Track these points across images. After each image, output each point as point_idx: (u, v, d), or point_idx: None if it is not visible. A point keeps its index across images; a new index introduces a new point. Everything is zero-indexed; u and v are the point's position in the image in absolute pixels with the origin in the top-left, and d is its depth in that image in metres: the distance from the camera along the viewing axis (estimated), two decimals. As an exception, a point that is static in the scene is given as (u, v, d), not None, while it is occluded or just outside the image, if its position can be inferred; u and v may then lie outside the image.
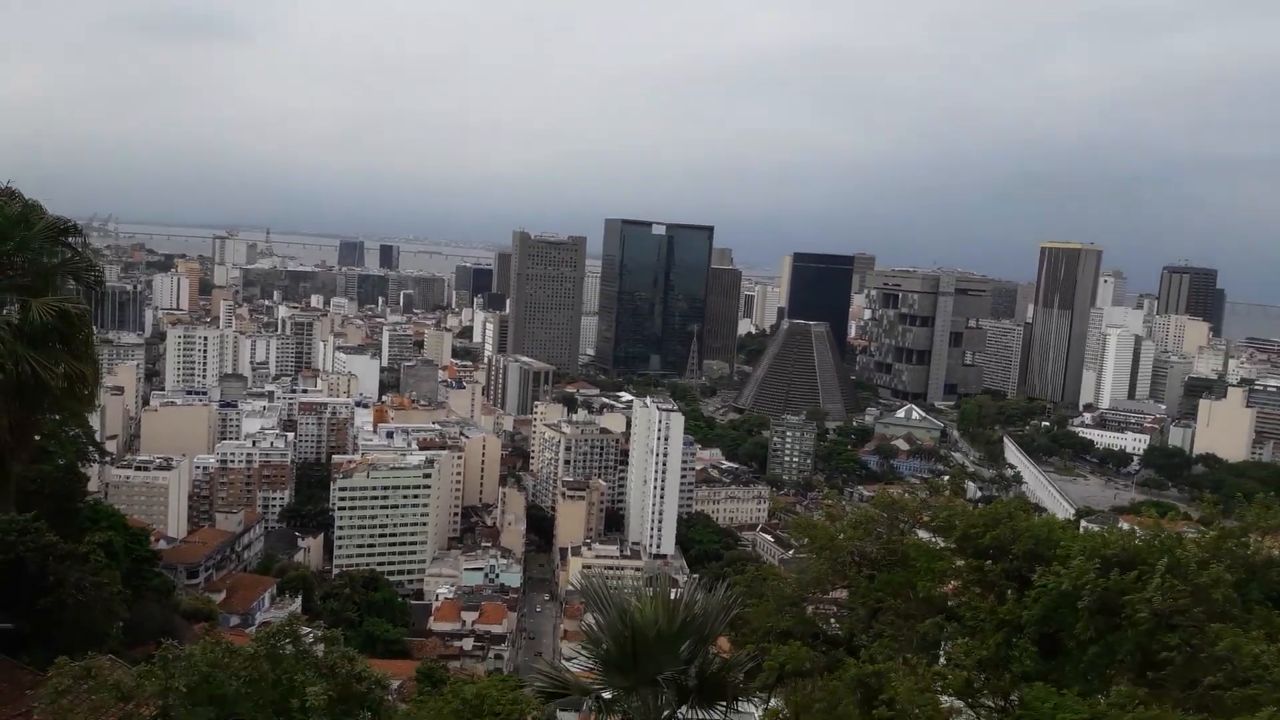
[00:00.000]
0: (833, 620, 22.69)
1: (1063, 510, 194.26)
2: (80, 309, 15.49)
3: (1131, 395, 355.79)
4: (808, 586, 22.29)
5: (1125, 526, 22.96)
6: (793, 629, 20.81)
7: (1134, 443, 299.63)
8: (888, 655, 17.23)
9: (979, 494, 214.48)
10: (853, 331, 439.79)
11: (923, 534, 22.53)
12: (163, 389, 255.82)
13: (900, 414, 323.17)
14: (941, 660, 19.03)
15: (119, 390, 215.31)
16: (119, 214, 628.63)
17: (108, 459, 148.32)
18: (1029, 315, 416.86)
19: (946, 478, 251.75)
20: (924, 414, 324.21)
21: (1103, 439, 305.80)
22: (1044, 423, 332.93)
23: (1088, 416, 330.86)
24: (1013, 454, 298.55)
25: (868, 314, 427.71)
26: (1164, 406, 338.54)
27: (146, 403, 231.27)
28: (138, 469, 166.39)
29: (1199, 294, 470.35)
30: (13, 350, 14.03)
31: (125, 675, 15.06)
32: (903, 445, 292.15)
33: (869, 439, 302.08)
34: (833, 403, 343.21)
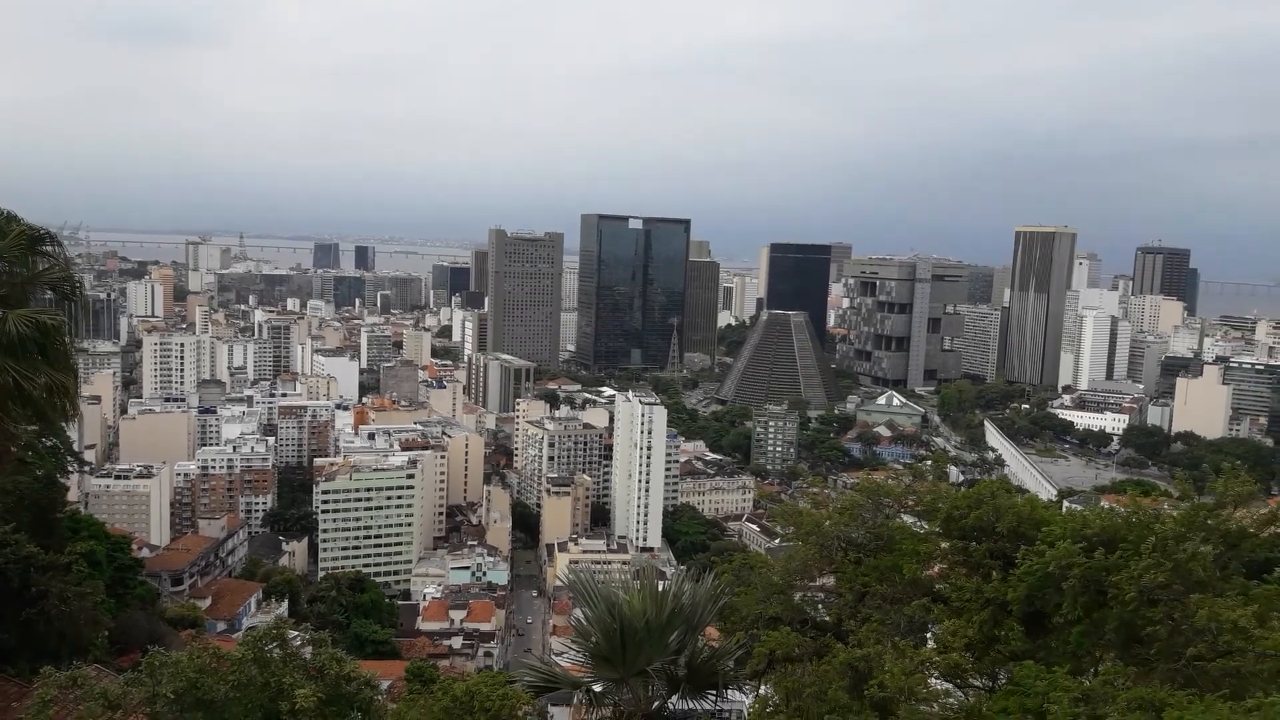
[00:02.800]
0: (820, 606, 22.78)
1: (1045, 492, 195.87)
2: (56, 320, 15.37)
3: (1109, 376, 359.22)
4: (794, 573, 22.38)
5: (1106, 505, 23.21)
6: (781, 615, 20.88)
7: (1113, 423, 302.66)
8: (876, 639, 17.34)
9: (961, 478, 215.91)
10: (832, 320, 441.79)
11: (907, 518, 22.69)
12: (140, 397, 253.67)
13: (881, 401, 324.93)
14: (930, 644, 19.18)
15: (96, 399, 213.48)
16: (89, 222, 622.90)
17: (87, 468, 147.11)
18: (1006, 299, 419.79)
19: (929, 462, 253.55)
20: (904, 400, 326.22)
21: (1082, 420, 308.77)
22: (1024, 405, 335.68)
23: (1067, 398, 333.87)
24: (994, 437, 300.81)
25: (846, 302, 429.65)
26: (1141, 386, 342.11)
27: (124, 411, 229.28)
28: (117, 478, 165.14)
29: (1173, 274, 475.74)
30: (-4, 362, 13.94)
31: (112, 684, 14.95)
32: (884, 432, 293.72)
33: (851, 426, 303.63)
34: (814, 391, 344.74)
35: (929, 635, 19.74)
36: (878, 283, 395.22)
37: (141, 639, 38.14)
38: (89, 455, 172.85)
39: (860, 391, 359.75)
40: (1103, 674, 15.00)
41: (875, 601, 20.24)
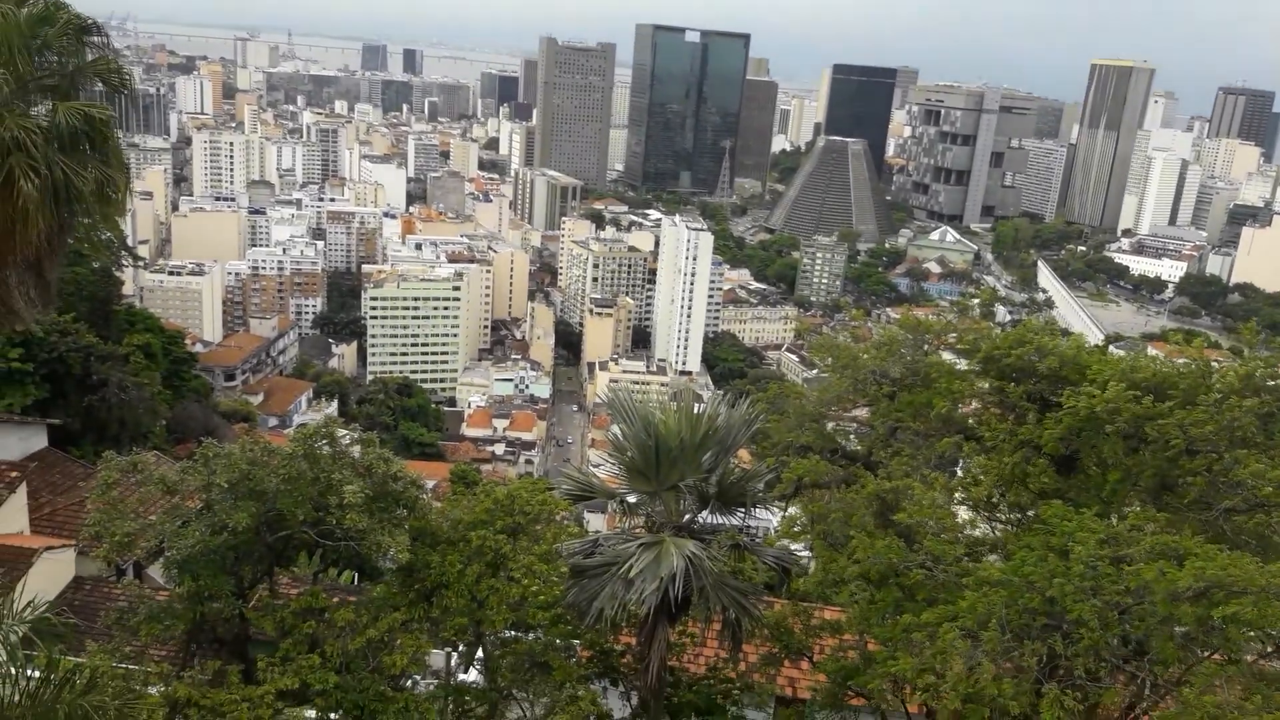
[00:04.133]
0: (852, 437, 23.05)
1: (1093, 336, 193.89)
2: (106, 114, 15.14)
3: (1173, 221, 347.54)
4: (828, 404, 22.51)
5: (1153, 353, 22.82)
6: (812, 444, 21.18)
7: (1170, 270, 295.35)
8: (905, 473, 17.54)
9: (1008, 318, 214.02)
10: (891, 150, 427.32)
11: (947, 356, 22.46)
12: (191, 195, 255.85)
13: (934, 236, 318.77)
14: (960, 475, 19.42)
15: (148, 195, 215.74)
16: (136, 12, 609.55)
17: (141, 263, 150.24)
18: (1074, 136, 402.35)
19: (976, 301, 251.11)
20: (958, 236, 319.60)
21: (1139, 265, 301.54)
22: (1080, 248, 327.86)
23: (1125, 242, 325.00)
24: (1046, 278, 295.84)
25: (907, 131, 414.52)
26: (1205, 234, 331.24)
27: (176, 208, 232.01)
28: (171, 274, 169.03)
29: (1253, 117, 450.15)
30: (45, 155, 13.81)
31: (170, 470, 15.71)
32: (934, 268, 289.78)
33: (901, 261, 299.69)
34: (866, 224, 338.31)
35: (959, 471, 19.96)
36: (942, 111, 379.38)
37: (197, 430, 39.80)
38: (142, 250, 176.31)
39: (914, 226, 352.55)
40: (1130, 518, 15.14)
41: (907, 436, 20.38)
